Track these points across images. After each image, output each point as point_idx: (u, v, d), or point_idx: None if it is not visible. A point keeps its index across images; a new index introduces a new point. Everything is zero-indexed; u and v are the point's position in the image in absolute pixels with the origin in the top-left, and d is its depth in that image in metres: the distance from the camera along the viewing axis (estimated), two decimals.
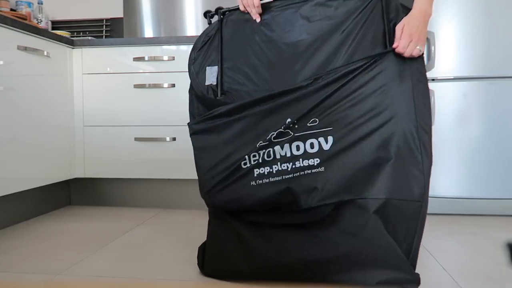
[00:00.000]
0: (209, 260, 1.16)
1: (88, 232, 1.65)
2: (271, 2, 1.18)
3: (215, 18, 1.25)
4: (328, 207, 1.00)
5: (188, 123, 1.18)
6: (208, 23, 1.26)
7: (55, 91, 1.94)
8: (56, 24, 2.73)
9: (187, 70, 1.25)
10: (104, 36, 2.70)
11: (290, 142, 1.04)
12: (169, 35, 2.57)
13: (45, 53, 1.84)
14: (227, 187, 1.09)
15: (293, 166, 1.03)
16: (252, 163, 1.06)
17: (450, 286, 1.11)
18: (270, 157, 1.05)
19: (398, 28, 1.05)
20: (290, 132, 1.04)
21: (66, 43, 2.00)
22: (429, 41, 1.92)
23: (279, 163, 1.04)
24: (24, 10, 2.44)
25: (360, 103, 1.01)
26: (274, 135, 1.05)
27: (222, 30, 1.21)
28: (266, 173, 1.05)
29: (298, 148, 1.03)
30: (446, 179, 1.91)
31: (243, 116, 1.08)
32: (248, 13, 1.19)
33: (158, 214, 1.97)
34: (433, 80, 1.92)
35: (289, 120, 1.04)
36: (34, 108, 1.78)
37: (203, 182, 1.14)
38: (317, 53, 1.07)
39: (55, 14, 2.74)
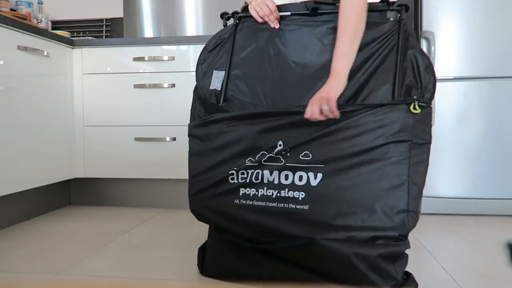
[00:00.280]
0: (209, 261, 1.16)
1: (88, 232, 1.65)
2: (288, 16, 1.16)
3: (231, 21, 1.24)
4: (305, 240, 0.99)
5: (188, 124, 1.18)
6: (224, 25, 1.24)
7: (55, 91, 1.94)
8: (56, 24, 2.73)
9: (194, 71, 1.25)
10: (104, 36, 2.70)
11: (280, 170, 1.03)
12: (169, 35, 2.57)
13: (45, 53, 1.84)
14: (212, 197, 1.09)
15: (278, 195, 1.02)
16: (240, 180, 1.06)
17: (450, 286, 1.11)
18: (258, 180, 1.04)
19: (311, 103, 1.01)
20: (282, 159, 1.03)
21: (66, 43, 2.00)
22: (429, 41, 1.92)
23: (265, 188, 1.03)
24: (24, 10, 2.44)
25: (357, 150, 0.98)
26: (265, 158, 1.04)
27: (235, 35, 1.20)
28: (251, 194, 1.04)
29: (286, 177, 1.02)
30: (446, 179, 1.91)
31: (237, 127, 1.07)
32: (264, 22, 1.17)
33: (158, 214, 1.97)
34: None
35: (280, 143, 1.03)
36: (34, 108, 1.78)
37: (190, 185, 1.14)
38: (325, 79, 1.04)
39: (55, 14, 2.74)
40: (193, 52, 1.99)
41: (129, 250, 1.41)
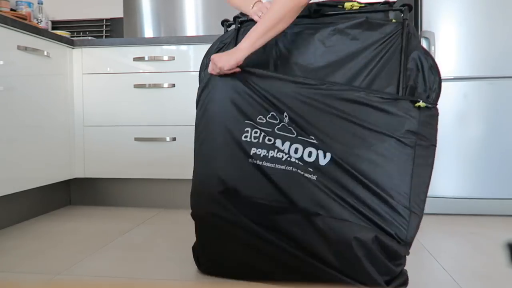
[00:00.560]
0: (206, 256, 1.16)
1: (88, 232, 1.65)
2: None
3: (232, 27, 1.25)
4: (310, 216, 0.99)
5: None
6: (225, 32, 1.25)
7: (55, 91, 1.94)
8: (56, 24, 2.73)
9: (194, 71, 1.25)
10: (104, 36, 2.70)
11: (291, 142, 1.04)
12: (169, 35, 2.57)
13: (45, 53, 1.84)
14: (226, 154, 1.10)
15: (288, 159, 1.03)
16: (253, 140, 1.07)
17: (450, 286, 1.11)
18: (270, 142, 1.06)
19: None
20: (294, 132, 1.04)
21: (66, 43, 2.00)
22: (429, 41, 1.92)
23: (275, 150, 1.05)
24: (24, 10, 2.44)
25: (366, 144, 0.99)
26: (279, 126, 1.05)
27: (237, 39, 1.20)
28: (262, 155, 1.06)
29: (296, 150, 1.03)
30: (446, 179, 1.91)
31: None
32: None
33: (158, 214, 1.97)
34: None
35: (286, 117, 1.04)
36: (34, 108, 1.78)
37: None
38: (330, 78, 1.05)
39: (55, 14, 2.74)
40: (193, 52, 1.99)
41: (129, 250, 1.41)
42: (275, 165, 1.04)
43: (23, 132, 1.71)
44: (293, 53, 1.13)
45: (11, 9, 2.32)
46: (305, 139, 1.03)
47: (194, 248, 1.22)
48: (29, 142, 1.74)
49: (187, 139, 1.97)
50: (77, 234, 1.61)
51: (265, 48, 1.15)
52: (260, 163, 1.05)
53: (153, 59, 2.01)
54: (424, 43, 1.93)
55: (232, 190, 1.08)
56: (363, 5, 1.10)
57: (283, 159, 1.03)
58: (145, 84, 2.01)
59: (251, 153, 1.06)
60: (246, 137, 1.08)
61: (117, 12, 2.69)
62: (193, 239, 1.52)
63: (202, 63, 1.24)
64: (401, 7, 1.07)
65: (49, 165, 1.88)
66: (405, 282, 1.02)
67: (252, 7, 1.22)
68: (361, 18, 1.07)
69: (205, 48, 1.97)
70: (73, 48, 2.07)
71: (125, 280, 1.16)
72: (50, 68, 1.90)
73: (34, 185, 1.78)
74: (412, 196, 0.96)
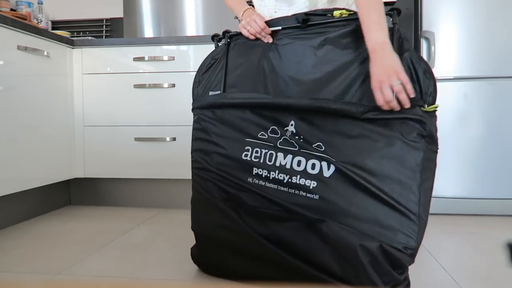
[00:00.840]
0: (205, 256, 1.16)
1: (88, 232, 1.65)
2: (279, 30, 1.14)
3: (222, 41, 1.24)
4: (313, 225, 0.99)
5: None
6: (215, 47, 1.24)
7: (55, 91, 1.94)
8: (56, 24, 2.73)
9: (194, 71, 1.25)
10: (104, 36, 2.70)
11: (294, 155, 1.03)
12: (169, 35, 2.57)
13: (45, 53, 1.84)
14: (226, 174, 1.11)
15: (289, 180, 1.02)
16: (253, 159, 1.07)
17: (450, 286, 1.11)
18: (271, 161, 1.06)
19: (376, 87, 0.94)
20: (296, 145, 1.04)
21: (66, 43, 2.01)
22: (429, 41, 1.92)
23: (277, 171, 1.04)
24: (24, 10, 2.44)
25: (373, 158, 0.96)
26: (281, 141, 1.05)
27: (228, 54, 1.19)
28: (263, 176, 1.06)
29: (299, 163, 1.02)
30: (446, 179, 1.91)
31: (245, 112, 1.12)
32: (256, 38, 1.16)
33: (158, 214, 1.97)
34: None
35: (292, 122, 1.04)
36: (34, 108, 1.78)
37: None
38: (324, 90, 1.03)
39: (55, 14, 2.74)
40: (193, 52, 1.99)
41: (129, 250, 1.41)
42: (277, 187, 1.04)
43: (23, 132, 1.71)
44: (284, 66, 1.10)
45: (11, 9, 2.32)
46: (308, 151, 1.02)
47: (192, 253, 1.22)
48: (29, 142, 1.74)
49: (187, 139, 1.97)
50: (77, 234, 1.61)
51: (255, 62, 1.14)
52: (263, 183, 1.05)
53: (153, 59, 2.01)
54: (424, 43, 1.93)
55: (235, 199, 1.08)
56: (352, 12, 1.07)
57: (285, 181, 1.03)
58: (145, 84, 2.01)
59: (254, 173, 1.07)
60: (246, 156, 1.08)
61: (117, 12, 2.69)
62: (193, 239, 1.53)
63: (194, 79, 1.23)
64: (390, 12, 1.04)
65: (49, 165, 1.88)
66: (407, 286, 1.01)
67: (242, 14, 1.20)
68: (351, 26, 1.04)
69: (205, 48, 1.97)
70: (73, 48, 2.07)
71: (125, 280, 1.16)
72: (50, 68, 1.90)
73: (34, 185, 1.78)
74: (421, 203, 0.94)
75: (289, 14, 1.18)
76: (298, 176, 1.02)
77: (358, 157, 0.97)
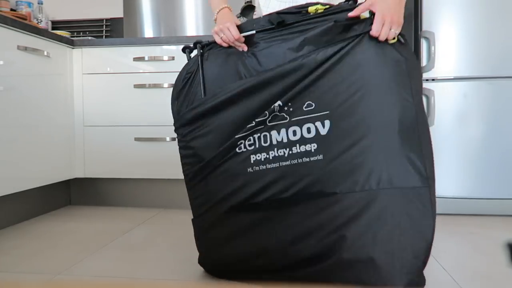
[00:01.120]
0: (210, 256, 1.15)
1: (88, 232, 1.65)
2: (254, 34, 1.10)
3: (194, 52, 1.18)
4: (327, 197, 0.97)
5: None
6: (188, 59, 1.18)
7: (55, 91, 1.94)
8: (56, 24, 2.73)
9: (171, 101, 1.18)
10: (104, 36, 2.70)
11: (287, 127, 1.01)
12: (169, 35, 2.57)
13: (45, 53, 1.84)
14: (224, 172, 1.07)
15: (290, 152, 1.01)
16: (248, 148, 1.05)
17: (450, 286, 1.11)
18: (266, 142, 1.03)
19: (367, 7, 0.98)
20: (286, 116, 1.02)
21: (66, 43, 2.01)
22: (429, 41, 1.92)
23: (275, 149, 1.02)
24: (24, 10, 2.44)
25: (352, 84, 0.97)
26: (269, 118, 1.03)
27: (203, 66, 1.14)
28: (262, 159, 1.03)
29: (294, 133, 1.01)
30: (446, 179, 1.91)
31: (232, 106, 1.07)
32: (230, 46, 1.12)
33: (158, 214, 1.98)
34: (433, 80, 1.92)
35: (279, 103, 1.02)
36: (34, 108, 1.78)
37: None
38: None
39: (55, 14, 2.74)
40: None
41: (129, 250, 1.41)
42: (279, 164, 1.02)
43: (23, 132, 1.71)
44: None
45: (11, 9, 2.32)
46: (300, 117, 1.00)
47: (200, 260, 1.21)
48: (29, 142, 1.74)
49: None
50: (77, 234, 1.61)
51: (233, 71, 1.10)
52: (264, 167, 1.03)
53: (153, 59, 2.01)
54: (424, 43, 1.94)
55: (237, 203, 1.06)
56: (327, 6, 1.05)
57: (286, 155, 1.01)
58: (145, 84, 2.01)
59: (252, 161, 1.04)
60: (240, 149, 1.05)
61: (117, 12, 2.69)
62: (193, 239, 1.53)
63: (172, 94, 1.17)
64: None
65: (49, 165, 1.88)
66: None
67: (217, 13, 1.17)
68: (329, 23, 1.01)
69: None
70: (73, 48, 2.07)
71: (125, 280, 1.16)
72: (50, 68, 1.90)
73: (34, 185, 1.78)
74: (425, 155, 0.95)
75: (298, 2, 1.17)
76: (298, 145, 1.01)
77: (346, 96, 0.97)
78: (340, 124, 0.97)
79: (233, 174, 1.06)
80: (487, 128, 1.88)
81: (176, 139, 1.98)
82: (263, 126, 1.04)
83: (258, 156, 1.04)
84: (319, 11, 1.04)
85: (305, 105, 1.00)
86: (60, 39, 1.96)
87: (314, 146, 0.99)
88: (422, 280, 0.97)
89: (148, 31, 2.63)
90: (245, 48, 1.11)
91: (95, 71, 2.06)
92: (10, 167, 1.64)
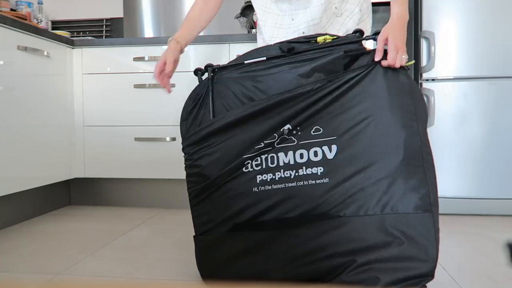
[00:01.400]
0: (210, 262, 1.15)
1: (88, 232, 1.65)
2: (264, 60, 1.11)
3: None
4: (332, 219, 0.98)
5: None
6: (199, 81, 1.19)
7: (55, 91, 1.94)
8: (56, 24, 2.73)
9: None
10: (104, 36, 2.70)
11: (294, 150, 1.03)
12: (169, 35, 2.56)
13: (45, 53, 1.84)
14: (229, 191, 1.07)
15: (296, 174, 1.03)
16: (255, 168, 1.06)
17: (450, 286, 1.11)
18: (273, 163, 1.05)
19: (381, 39, 1.02)
20: (294, 139, 1.04)
21: (66, 43, 2.01)
22: (429, 41, 1.92)
23: (282, 170, 1.04)
24: (24, 10, 2.44)
25: (360, 111, 1.00)
26: (278, 141, 1.05)
27: (213, 89, 1.15)
28: (268, 179, 1.04)
29: (301, 156, 1.03)
30: (446, 179, 1.91)
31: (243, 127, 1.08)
32: (241, 70, 1.12)
33: (158, 214, 1.98)
34: (433, 80, 1.92)
35: (288, 126, 1.04)
36: (34, 108, 1.78)
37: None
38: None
39: (55, 14, 2.74)
40: (193, 52, 1.99)
41: (129, 250, 1.41)
42: (285, 185, 1.03)
43: (23, 132, 1.71)
44: (273, 92, 1.08)
45: (11, 9, 2.32)
46: (307, 141, 1.03)
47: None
48: (29, 142, 1.74)
49: None
50: (77, 234, 1.61)
51: (242, 95, 1.11)
52: (269, 187, 1.04)
53: (153, 59, 2.01)
54: (424, 43, 1.94)
55: (241, 222, 1.06)
56: (335, 37, 1.08)
57: (292, 176, 1.03)
58: (145, 84, 2.01)
59: (258, 181, 1.05)
60: (247, 168, 1.06)
61: (117, 12, 2.69)
62: (193, 239, 1.53)
63: (181, 115, 1.18)
64: (374, 35, 1.06)
65: (49, 165, 1.88)
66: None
67: (168, 41, 1.24)
68: (338, 53, 1.04)
69: (205, 48, 1.97)
70: (73, 48, 2.07)
71: (125, 280, 1.16)
72: (50, 68, 1.90)
73: (34, 185, 1.78)
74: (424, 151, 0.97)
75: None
76: (304, 168, 1.02)
77: (353, 124, 1.00)
78: (347, 149, 1.00)
79: (238, 193, 1.07)
80: (487, 128, 1.88)
81: (176, 139, 1.99)
82: (271, 148, 1.05)
83: (264, 177, 1.05)
84: (327, 40, 1.07)
85: (313, 129, 1.03)
86: (60, 39, 1.96)
87: (320, 169, 1.01)
88: None
89: (148, 31, 2.63)
90: (168, 91, 1.22)
91: (95, 71, 2.06)
92: (10, 167, 1.64)
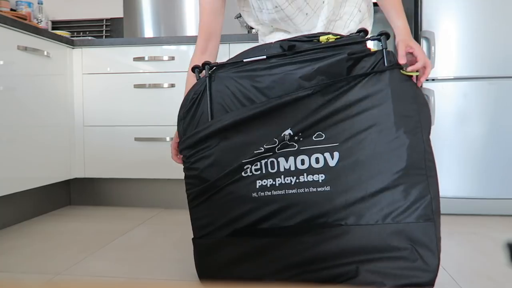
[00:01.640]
0: (209, 264, 1.15)
1: (88, 232, 1.65)
2: (264, 59, 1.07)
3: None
4: (333, 228, 0.97)
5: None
6: (197, 79, 1.15)
7: (55, 91, 1.94)
8: (56, 24, 2.73)
9: (177, 121, 1.15)
10: (104, 36, 2.70)
11: (295, 155, 1.00)
12: (169, 35, 2.56)
13: (45, 53, 1.84)
14: (228, 195, 1.06)
15: (297, 181, 1.00)
16: (255, 172, 1.03)
17: (450, 286, 1.11)
18: (274, 169, 1.02)
19: (402, 48, 1.01)
20: (295, 145, 1.01)
21: (66, 43, 2.01)
22: (429, 41, 1.92)
23: (282, 176, 1.01)
24: (24, 10, 2.44)
25: (364, 118, 0.98)
26: (279, 146, 1.02)
27: (211, 88, 1.11)
28: (268, 185, 1.02)
29: (302, 162, 1.00)
30: (446, 179, 1.91)
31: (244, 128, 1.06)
32: (240, 69, 1.09)
33: (158, 214, 1.98)
34: (433, 80, 1.92)
35: (289, 132, 1.01)
36: (34, 108, 1.78)
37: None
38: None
39: (55, 14, 2.74)
40: (193, 52, 1.99)
41: (129, 250, 1.41)
42: (285, 191, 1.01)
43: (23, 132, 1.71)
44: (274, 92, 1.05)
45: (11, 9, 2.32)
46: (309, 147, 1.00)
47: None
48: (29, 142, 1.74)
49: None
50: (77, 234, 1.61)
51: (242, 94, 1.08)
52: (269, 193, 1.02)
53: (153, 59, 2.01)
54: (424, 43, 1.93)
55: (241, 228, 1.04)
56: (339, 37, 1.04)
57: (293, 183, 1.00)
58: (145, 84, 2.01)
59: (257, 186, 1.02)
60: (246, 173, 1.04)
61: (117, 12, 2.69)
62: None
63: (178, 114, 1.14)
64: (379, 36, 1.01)
65: (49, 165, 1.88)
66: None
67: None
68: (341, 55, 1.00)
69: None
70: (73, 48, 2.07)
71: (125, 280, 1.16)
72: (50, 68, 1.90)
73: (34, 185, 1.78)
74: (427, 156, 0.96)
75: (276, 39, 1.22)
76: (305, 174, 1.00)
77: (356, 132, 0.98)
78: (349, 157, 0.97)
79: (237, 198, 1.04)
80: (487, 128, 1.88)
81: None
82: (271, 153, 1.02)
83: (264, 182, 1.02)
84: (330, 40, 1.03)
85: (315, 135, 1.00)
86: (60, 39, 1.96)
87: (322, 176, 0.98)
88: None
89: (148, 31, 2.63)
90: (179, 161, 1.19)
91: (95, 71, 2.06)
92: (10, 167, 1.64)
